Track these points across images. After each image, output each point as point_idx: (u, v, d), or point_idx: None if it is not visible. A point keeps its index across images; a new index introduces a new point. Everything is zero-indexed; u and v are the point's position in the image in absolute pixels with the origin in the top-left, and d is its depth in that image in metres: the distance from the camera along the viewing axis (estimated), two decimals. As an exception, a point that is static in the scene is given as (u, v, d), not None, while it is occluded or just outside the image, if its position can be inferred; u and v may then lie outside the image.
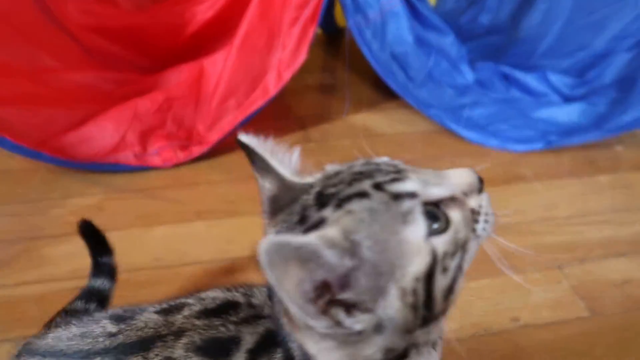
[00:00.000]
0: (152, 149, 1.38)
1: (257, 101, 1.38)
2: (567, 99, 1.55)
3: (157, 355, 0.59)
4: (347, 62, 1.64)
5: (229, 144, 1.40)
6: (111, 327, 0.62)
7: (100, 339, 0.61)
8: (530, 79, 1.61)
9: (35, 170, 1.36)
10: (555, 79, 1.59)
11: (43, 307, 0.97)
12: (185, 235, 1.21)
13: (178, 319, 0.62)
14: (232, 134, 1.39)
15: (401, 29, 1.50)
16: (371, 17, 1.45)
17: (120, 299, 0.82)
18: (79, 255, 0.87)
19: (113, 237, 0.88)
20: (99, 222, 0.87)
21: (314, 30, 1.34)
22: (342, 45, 1.95)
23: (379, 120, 1.57)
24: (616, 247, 1.18)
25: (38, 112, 1.38)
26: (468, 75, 1.62)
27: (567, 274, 1.11)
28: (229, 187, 1.34)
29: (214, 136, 1.39)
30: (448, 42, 1.60)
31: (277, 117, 1.59)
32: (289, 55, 1.36)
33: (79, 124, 1.39)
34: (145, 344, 0.60)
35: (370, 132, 1.53)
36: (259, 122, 1.50)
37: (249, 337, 0.60)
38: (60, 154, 1.30)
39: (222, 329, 0.61)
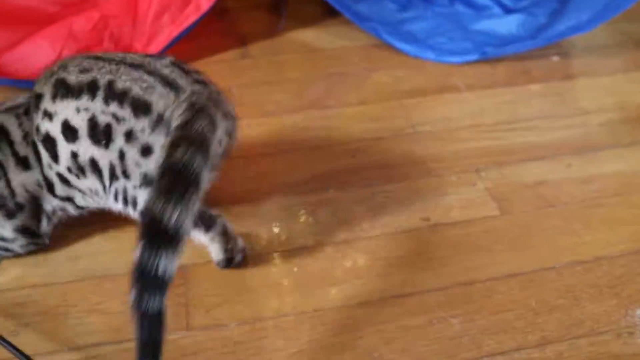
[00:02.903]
0: (87, 66, 1.39)
1: (191, 16, 1.38)
2: (509, 11, 1.55)
3: None
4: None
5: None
6: None
7: None
8: (474, -8, 1.60)
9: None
10: (499, -9, 1.58)
11: None
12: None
13: None
14: (168, 49, 1.40)
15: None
16: None
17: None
18: None
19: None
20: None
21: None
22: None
23: (319, 36, 1.57)
24: (536, 151, 1.21)
25: (-27, 32, 1.39)
26: (412, -11, 1.61)
27: (483, 177, 1.15)
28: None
29: (151, 52, 1.40)
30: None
31: (220, 35, 1.59)
32: (219, -31, 1.35)
33: (16, 43, 1.40)
34: None
35: (309, 47, 1.54)
36: (200, 38, 1.52)
37: None
38: (-4, 72, 1.32)
39: None
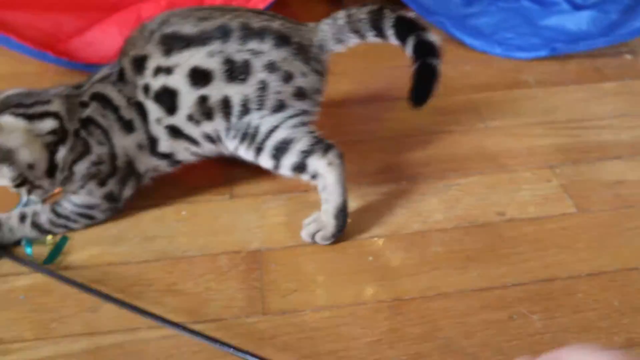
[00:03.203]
0: (156, 52, 1.40)
1: (258, 5, 1.38)
2: (578, 8, 1.51)
3: None
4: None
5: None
6: None
7: None
8: (542, -13, 1.57)
9: (44, 73, 1.41)
10: (568, -14, 1.55)
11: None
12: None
13: None
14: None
15: None
16: None
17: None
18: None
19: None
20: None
21: None
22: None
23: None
24: (613, 150, 1.18)
25: (44, 17, 1.41)
26: (477, -17, 1.58)
27: (558, 174, 1.12)
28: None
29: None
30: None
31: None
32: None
33: (85, 29, 1.42)
34: None
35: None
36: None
37: None
38: (66, 57, 1.34)
39: None
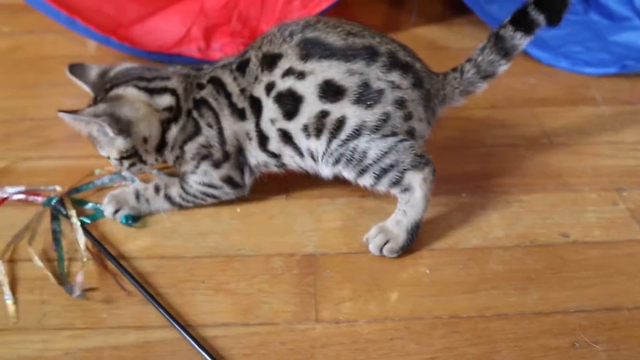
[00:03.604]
0: (215, 44, 1.40)
1: (322, 3, 1.36)
2: (651, 24, 1.46)
3: None
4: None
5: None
6: None
7: None
8: (612, 1, 1.51)
9: (104, 58, 1.41)
10: (641, 2, 1.49)
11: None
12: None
13: None
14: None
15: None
16: None
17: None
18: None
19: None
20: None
21: None
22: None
23: (445, 34, 1.53)
24: (684, 177, 1.13)
25: (108, 1, 1.41)
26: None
27: (626, 198, 1.08)
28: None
29: (277, 37, 1.39)
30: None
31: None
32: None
33: (147, 15, 1.42)
34: None
35: (434, 44, 1.49)
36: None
37: None
38: (127, 42, 1.34)
39: None
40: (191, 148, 0.99)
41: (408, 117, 0.91)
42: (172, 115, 0.97)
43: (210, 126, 0.97)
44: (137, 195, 1.02)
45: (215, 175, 0.99)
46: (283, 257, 0.97)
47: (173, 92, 0.97)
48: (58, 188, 1.07)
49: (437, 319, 0.88)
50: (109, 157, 1.01)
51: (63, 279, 0.93)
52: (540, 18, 0.91)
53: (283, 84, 0.91)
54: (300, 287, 0.92)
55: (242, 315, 0.89)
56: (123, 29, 1.37)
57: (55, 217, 1.02)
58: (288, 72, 0.90)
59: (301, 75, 0.89)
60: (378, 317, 0.88)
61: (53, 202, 1.03)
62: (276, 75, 0.91)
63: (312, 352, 0.84)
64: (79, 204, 1.04)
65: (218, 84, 0.97)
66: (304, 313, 0.89)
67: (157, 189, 1.03)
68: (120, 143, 0.96)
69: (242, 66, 0.96)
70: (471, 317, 0.88)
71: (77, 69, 1.04)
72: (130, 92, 0.96)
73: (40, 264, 0.94)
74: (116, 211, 1.02)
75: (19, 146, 1.18)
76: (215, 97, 0.97)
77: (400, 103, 0.89)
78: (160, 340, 0.86)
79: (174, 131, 0.98)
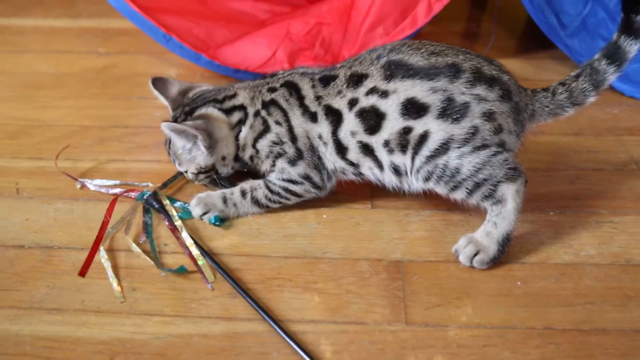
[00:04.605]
0: (299, 67, 1.44)
1: (405, 31, 1.39)
2: None
3: None
4: None
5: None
6: None
7: None
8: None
9: (192, 77, 1.47)
10: None
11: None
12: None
13: None
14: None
15: (559, -29, 1.45)
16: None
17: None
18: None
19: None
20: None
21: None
22: None
23: (524, 67, 1.53)
24: None
25: (199, 25, 1.48)
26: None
27: None
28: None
29: (359, 62, 1.43)
30: (608, -9, 1.53)
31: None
32: (441, -14, 1.36)
33: (235, 39, 1.48)
34: None
35: (514, 76, 1.49)
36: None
37: None
38: (216, 61, 1.39)
39: None
40: (263, 146, 1.02)
41: (498, 129, 0.91)
42: (242, 122, 1.03)
43: (279, 123, 1.00)
44: (225, 200, 1.05)
45: (293, 172, 1.01)
46: (370, 261, 0.96)
47: (241, 107, 1.04)
48: (150, 184, 1.11)
49: (531, 330, 0.85)
50: (185, 172, 1.07)
51: (158, 263, 0.95)
52: (633, 48, 0.93)
53: (366, 101, 0.93)
54: (388, 290, 0.91)
55: (331, 313, 0.88)
56: (212, 50, 1.43)
57: (147, 211, 1.05)
58: (372, 91, 0.93)
59: (384, 94, 0.92)
60: (469, 324, 0.86)
61: (145, 196, 1.06)
62: (360, 92, 0.94)
63: (402, 353, 0.82)
64: (170, 202, 1.07)
65: (292, 87, 1.01)
66: (393, 315, 0.87)
67: (243, 193, 1.05)
68: (202, 159, 1.03)
69: (327, 79, 1.00)
70: (567, 329, 0.85)
71: (159, 83, 1.12)
72: (212, 111, 1.03)
73: (138, 250, 0.97)
74: (204, 213, 1.04)
75: (112, 149, 1.23)
76: (287, 98, 1.01)
77: (489, 115, 0.90)
78: (248, 332, 0.86)
79: (244, 132, 1.03)
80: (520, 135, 0.95)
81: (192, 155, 1.03)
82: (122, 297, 0.91)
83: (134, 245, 0.97)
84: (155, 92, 1.10)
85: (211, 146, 1.01)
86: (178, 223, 1.01)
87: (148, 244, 1.00)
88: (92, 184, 1.12)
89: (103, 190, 1.11)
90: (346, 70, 0.98)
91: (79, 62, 1.57)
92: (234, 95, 1.05)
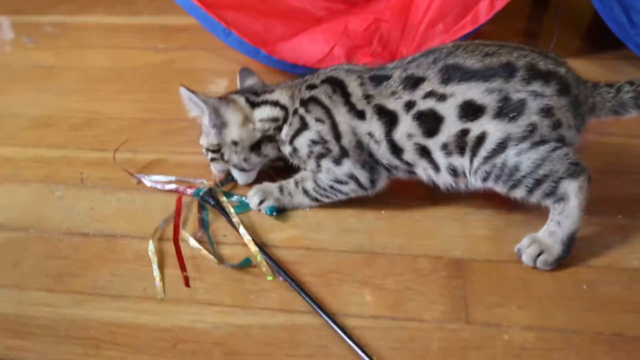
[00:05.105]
0: (356, 64, 1.44)
1: (466, 28, 1.37)
2: None
3: None
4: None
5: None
6: None
7: None
8: None
9: (248, 72, 1.49)
10: None
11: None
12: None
13: None
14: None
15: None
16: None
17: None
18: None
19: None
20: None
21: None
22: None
23: (590, 68, 1.48)
24: None
25: (257, 20, 1.49)
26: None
27: None
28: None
29: (417, 59, 1.41)
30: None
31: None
32: (504, -17, 1.33)
33: (292, 35, 1.49)
34: None
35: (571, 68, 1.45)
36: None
37: None
38: (274, 56, 1.40)
39: None
40: (302, 144, 1.01)
41: (557, 124, 0.88)
42: (282, 120, 1.04)
43: (320, 121, 0.99)
44: (281, 189, 1.06)
45: (338, 172, 1.00)
46: (430, 258, 0.95)
47: (275, 103, 1.04)
48: (205, 182, 1.12)
49: (599, 335, 0.82)
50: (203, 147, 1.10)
51: (217, 256, 0.96)
52: None
53: (424, 104, 0.92)
54: (448, 289, 0.90)
55: (390, 309, 0.87)
56: (270, 45, 1.44)
57: (202, 207, 1.07)
58: (430, 94, 0.91)
59: (442, 98, 0.90)
60: (533, 326, 0.84)
61: (201, 192, 1.08)
62: (417, 95, 0.92)
63: (464, 352, 0.81)
64: (225, 196, 1.08)
65: (335, 84, 1.00)
66: (453, 314, 0.86)
67: (296, 183, 1.06)
68: (212, 136, 1.05)
69: (379, 79, 0.97)
70: (638, 337, 0.82)
71: (243, 73, 1.17)
72: (239, 100, 1.06)
73: (196, 244, 0.98)
74: (261, 202, 1.05)
75: (173, 142, 1.25)
76: (329, 94, 0.99)
77: (547, 111, 0.87)
78: (306, 324, 0.86)
79: (285, 130, 1.04)
80: (581, 129, 0.92)
81: (207, 130, 1.06)
82: (162, 295, 0.92)
83: (192, 240, 0.98)
84: (238, 80, 1.17)
85: (217, 125, 1.04)
86: (235, 220, 1.01)
87: (206, 238, 1.01)
88: (148, 180, 1.13)
89: (159, 186, 1.12)
90: (401, 72, 0.96)
91: (139, 58, 1.60)
92: (271, 91, 1.06)
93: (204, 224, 1.04)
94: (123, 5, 1.91)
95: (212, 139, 1.05)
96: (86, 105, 1.41)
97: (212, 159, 1.08)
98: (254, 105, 1.05)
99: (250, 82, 1.15)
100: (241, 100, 1.06)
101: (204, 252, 0.97)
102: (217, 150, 1.06)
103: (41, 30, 1.78)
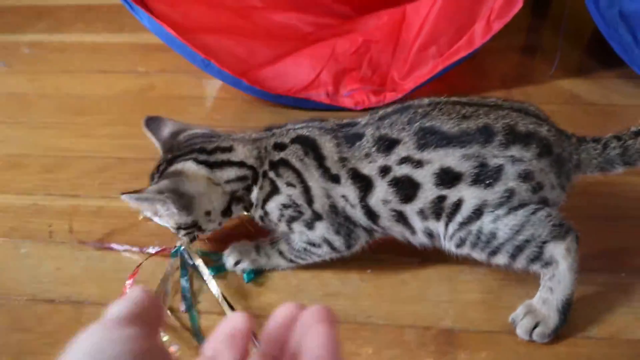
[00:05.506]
0: (344, 90, 1.36)
1: (460, 52, 1.28)
2: None
3: None
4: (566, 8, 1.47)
5: (422, 93, 1.33)
6: None
7: None
8: None
9: (232, 100, 1.41)
10: None
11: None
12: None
13: None
14: (428, 84, 1.32)
15: (636, -17, 1.31)
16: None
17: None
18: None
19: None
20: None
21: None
22: (550, 6, 1.78)
23: (590, 88, 1.40)
24: None
25: (240, 43, 1.42)
26: None
27: None
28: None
29: (409, 85, 1.33)
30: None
31: (476, 75, 1.48)
32: (501, 3, 1.24)
33: (277, 58, 1.40)
34: None
35: (578, 99, 1.37)
36: (456, 77, 1.41)
37: None
38: (257, 85, 1.32)
39: None
40: (272, 208, 0.93)
41: (538, 187, 0.82)
42: (252, 180, 0.93)
43: (291, 185, 0.90)
44: (258, 249, 0.99)
45: (311, 236, 0.93)
46: (417, 330, 0.88)
47: (240, 164, 0.93)
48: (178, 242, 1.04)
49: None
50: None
51: (199, 339, 0.89)
52: None
53: (400, 170, 0.85)
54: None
55: (372, 393, 0.81)
56: (253, 70, 1.36)
57: (183, 268, 0.99)
58: (405, 160, 0.84)
59: (419, 164, 0.84)
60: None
61: (181, 249, 1.00)
62: (392, 160, 0.85)
63: None
64: (203, 254, 1.01)
65: (307, 145, 0.91)
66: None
67: (272, 243, 0.99)
68: (183, 217, 0.92)
69: (352, 138, 0.89)
70: None
71: (152, 123, 1.03)
72: (188, 166, 0.92)
73: (176, 322, 0.92)
74: (236, 263, 0.98)
75: (146, 185, 1.17)
76: (301, 157, 0.90)
77: (525, 176, 0.81)
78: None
79: (255, 192, 0.94)
80: (567, 186, 0.86)
81: (170, 212, 0.92)
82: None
83: (172, 317, 0.92)
84: (148, 134, 1.02)
85: (185, 206, 0.91)
86: (213, 285, 0.95)
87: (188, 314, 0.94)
88: (117, 246, 1.05)
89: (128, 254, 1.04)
90: (374, 131, 0.88)
91: (118, 83, 1.53)
92: (229, 149, 0.94)
93: (185, 295, 0.96)
94: (103, 22, 1.83)
95: (184, 219, 0.93)
96: (60, 142, 1.33)
97: (186, 234, 0.97)
98: (211, 165, 0.93)
99: (167, 130, 1.01)
100: (191, 166, 0.92)
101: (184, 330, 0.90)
102: (192, 225, 0.95)
103: (18, 52, 1.71)
